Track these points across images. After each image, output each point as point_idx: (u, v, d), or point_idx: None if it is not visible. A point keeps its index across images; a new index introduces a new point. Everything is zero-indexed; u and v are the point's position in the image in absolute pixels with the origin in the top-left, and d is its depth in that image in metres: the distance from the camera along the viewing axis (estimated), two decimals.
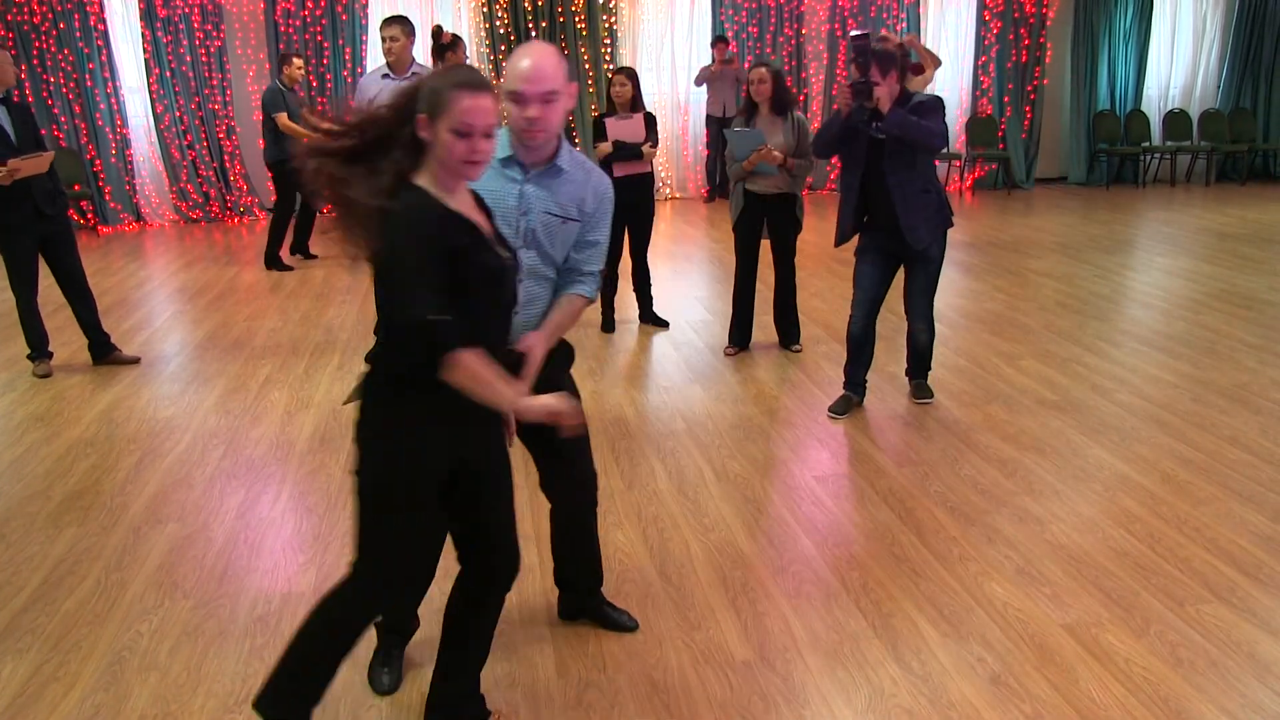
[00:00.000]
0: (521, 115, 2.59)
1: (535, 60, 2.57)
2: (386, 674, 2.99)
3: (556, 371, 2.89)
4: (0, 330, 7.01)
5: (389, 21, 6.11)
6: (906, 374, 5.37)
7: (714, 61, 11.52)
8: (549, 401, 2.31)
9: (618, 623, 3.27)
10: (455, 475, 2.46)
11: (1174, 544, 3.73)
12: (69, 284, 6.02)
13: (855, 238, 5.03)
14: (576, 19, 11.98)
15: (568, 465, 3.02)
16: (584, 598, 3.30)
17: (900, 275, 5.06)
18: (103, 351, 6.13)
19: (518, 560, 2.64)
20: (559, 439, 2.66)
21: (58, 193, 5.86)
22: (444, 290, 2.16)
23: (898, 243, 4.85)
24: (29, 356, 6.07)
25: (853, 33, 4.54)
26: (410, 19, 6.25)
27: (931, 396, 5.26)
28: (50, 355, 6.10)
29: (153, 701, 2.95)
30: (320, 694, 2.53)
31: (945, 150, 9.73)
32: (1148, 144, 13.15)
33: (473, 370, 2.21)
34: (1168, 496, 4.12)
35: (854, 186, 4.86)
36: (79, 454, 4.81)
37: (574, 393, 2.94)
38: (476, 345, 2.21)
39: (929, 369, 5.31)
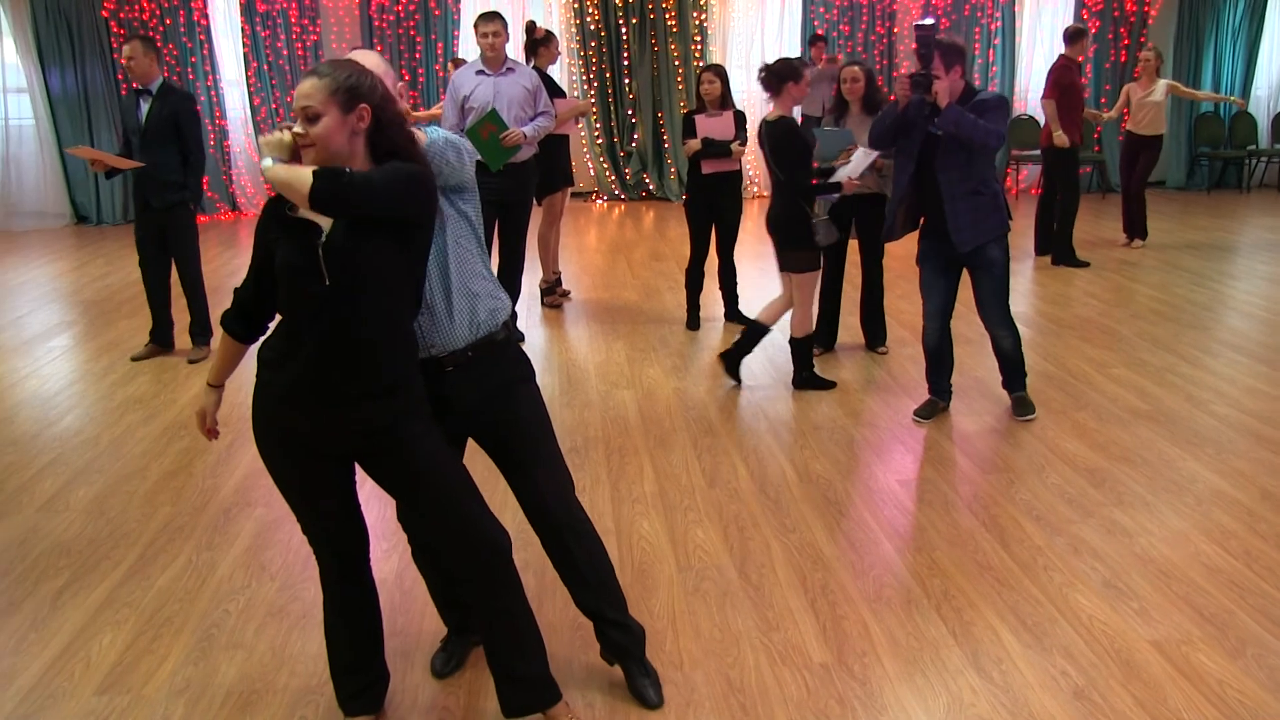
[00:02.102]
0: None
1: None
2: (442, 660, 3.06)
3: (514, 381, 2.77)
4: (102, 314, 7.27)
5: (489, 17, 6.15)
6: (1003, 386, 5.12)
7: (818, 61, 11.40)
8: None
9: (640, 693, 2.88)
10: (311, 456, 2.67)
11: (1273, 563, 3.60)
12: (178, 274, 6.23)
13: (905, 238, 4.93)
14: (667, 15, 12.00)
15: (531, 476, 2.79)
16: (617, 633, 2.90)
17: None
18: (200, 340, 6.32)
19: (448, 542, 2.64)
20: (516, 446, 2.74)
21: (172, 185, 6.00)
22: (255, 275, 2.52)
23: (950, 246, 4.68)
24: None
25: (919, 21, 4.36)
26: (504, 15, 6.31)
27: (1033, 413, 4.99)
28: (156, 340, 6.30)
29: (239, 679, 3.03)
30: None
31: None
32: (1253, 147, 12.70)
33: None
34: (1267, 513, 3.98)
35: (903, 183, 4.73)
36: (174, 436, 4.97)
37: (535, 404, 2.80)
38: (292, 330, 2.46)
39: (1024, 376, 5.04)
